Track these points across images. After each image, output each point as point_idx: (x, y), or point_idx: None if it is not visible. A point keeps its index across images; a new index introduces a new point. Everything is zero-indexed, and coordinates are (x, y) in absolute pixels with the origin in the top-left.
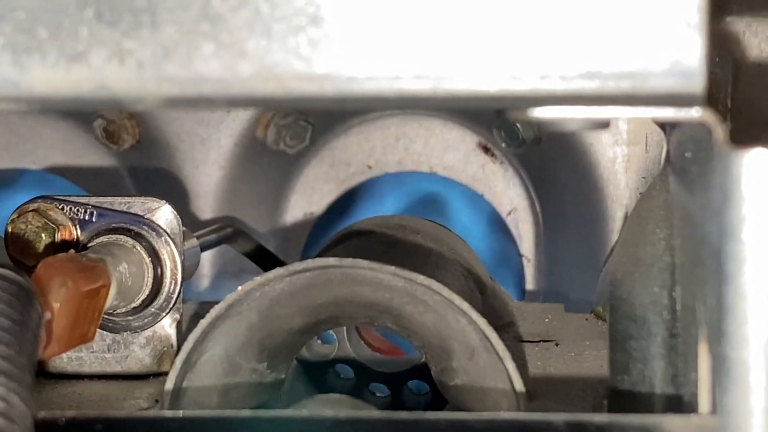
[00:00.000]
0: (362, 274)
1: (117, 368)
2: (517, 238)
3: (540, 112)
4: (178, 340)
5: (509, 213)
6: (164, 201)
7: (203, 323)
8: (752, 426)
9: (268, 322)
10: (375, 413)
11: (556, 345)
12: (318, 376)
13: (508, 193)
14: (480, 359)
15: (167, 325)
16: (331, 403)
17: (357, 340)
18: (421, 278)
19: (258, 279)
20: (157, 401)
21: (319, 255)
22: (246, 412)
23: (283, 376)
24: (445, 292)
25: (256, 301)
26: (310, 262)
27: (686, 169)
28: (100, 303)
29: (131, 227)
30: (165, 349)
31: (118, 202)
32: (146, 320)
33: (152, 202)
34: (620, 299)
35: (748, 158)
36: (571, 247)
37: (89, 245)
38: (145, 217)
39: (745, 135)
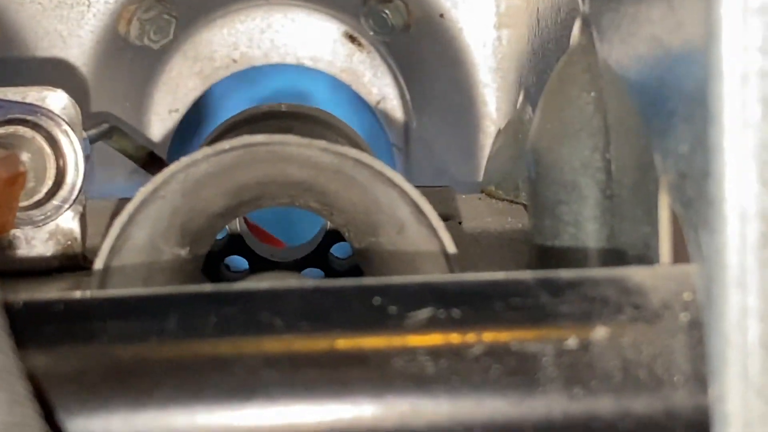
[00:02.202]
0: (289, 152)
1: (19, 265)
2: (387, 127)
3: None
4: (82, 233)
5: (378, 102)
6: (60, 89)
7: (129, 207)
8: (729, 266)
9: (191, 204)
10: (346, 280)
11: (459, 223)
12: (208, 269)
13: (376, 83)
14: (410, 232)
15: (70, 219)
16: (279, 279)
17: (247, 230)
18: (353, 152)
19: (184, 159)
20: None
21: (208, 145)
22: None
23: (201, 262)
24: (377, 164)
25: (180, 184)
26: (237, 140)
27: (621, 27)
28: (16, 192)
29: (28, 117)
30: (69, 243)
31: (12, 92)
32: (48, 213)
33: (47, 91)
34: (547, 166)
35: None
36: (442, 134)
37: None
38: (42, 106)
39: None
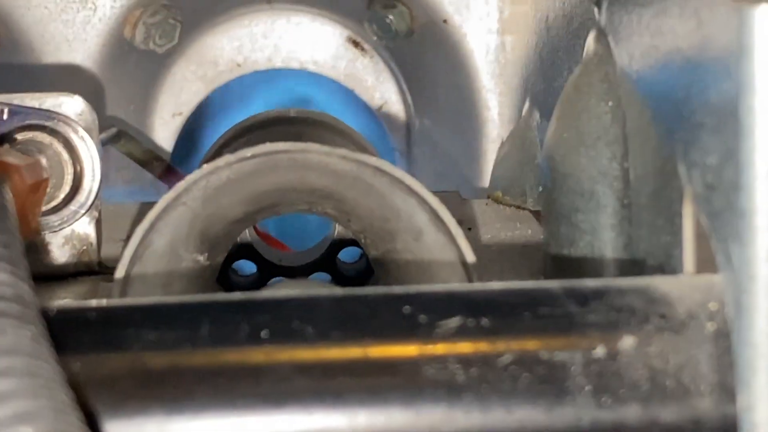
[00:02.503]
0: (310, 159)
1: (34, 270)
2: (389, 131)
3: None
4: (97, 238)
5: (380, 107)
6: (76, 95)
7: (151, 214)
8: (759, 277)
9: (211, 211)
10: (375, 289)
11: (469, 230)
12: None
13: (379, 88)
14: (428, 239)
15: (86, 224)
16: (303, 286)
17: (255, 235)
18: (372, 159)
19: (206, 167)
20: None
21: (218, 151)
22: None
23: (218, 268)
24: (397, 172)
25: (201, 190)
26: (259, 148)
27: (642, 38)
28: (40, 198)
29: (46, 123)
30: (84, 248)
31: (29, 98)
32: (65, 219)
33: (64, 97)
34: (564, 174)
35: (759, 14)
36: (445, 139)
37: (4, 144)
38: (59, 112)
39: None
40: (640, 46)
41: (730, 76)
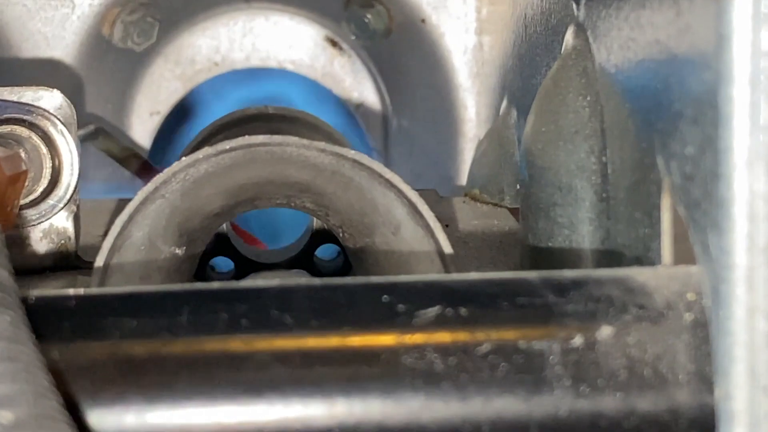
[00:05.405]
0: (289, 152)
1: (13, 263)
2: (367, 130)
3: None
4: (75, 233)
5: (358, 106)
6: (55, 89)
7: (130, 206)
8: (737, 266)
9: (189, 204)
10: (354, 279)
11: (446, 226)
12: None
13: (357, 87)
14: (406, 233)
15: (64, 218)
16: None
17: (232, 232)
18: (351, 153)
19: (185, 160)
20: None
21: (195, 147)
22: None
23: (197, 261)
24: (375, 165)
25: (180, 183)
26: (238, 141)
27: (622, 31)
28: (19, 190)
29: (25, 117)
30: (62, 242)
31: (8, 92)
32: (43, 213)
33: (43, 91)
34: (542, 168)
35: (738, 3)
36: (423, 138)
37: None
38: (38, 105)
39: None
40: (619, 40)
41: (709, 65)
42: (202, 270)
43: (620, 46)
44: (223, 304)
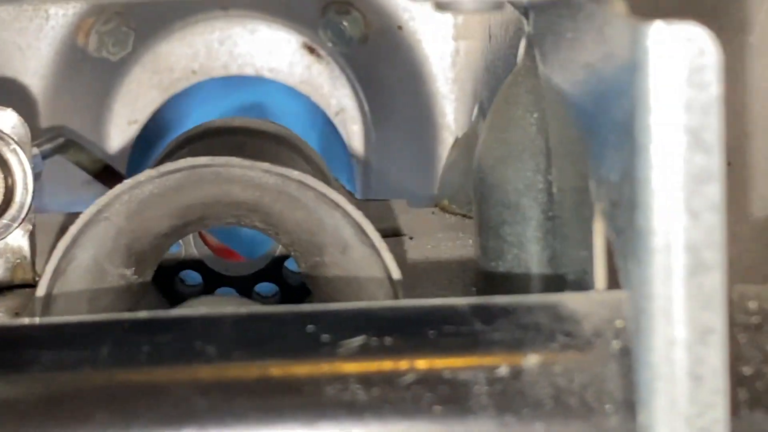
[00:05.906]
0: (233, 173)
1: None
2: (346, 138)
3: None
4: (31, 251)
5: (337, 114)
6: (9, 108)
7: (72, 229)
8: (656, 297)
9: (136, 225)
10: (281, 307)
11: (411, 239)
12: (162, 284)
13: (335, 94)
14: (354, 253)
15: (19, 237)
16: (218, 303)
17: (201, 244)
18: (295, 173)
19: (128, 181)
20: (17, 314)
21: (161, 160)
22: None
23: (149, 280)
24: (320, 186)
25: (124, 205)
26: (181, 162)
27: (561, 51)
28: None
29: None
30: (18, 261)
31: None
32: None
33: None
34: (492, 186)
35: (653, 31)
36: (401, 146)
37: None
38: None
39: (635, 11)
40: (560, 59)
41: (627, 93)
42: (170, 283)
43: (560, 65)
44: (146, 335)
